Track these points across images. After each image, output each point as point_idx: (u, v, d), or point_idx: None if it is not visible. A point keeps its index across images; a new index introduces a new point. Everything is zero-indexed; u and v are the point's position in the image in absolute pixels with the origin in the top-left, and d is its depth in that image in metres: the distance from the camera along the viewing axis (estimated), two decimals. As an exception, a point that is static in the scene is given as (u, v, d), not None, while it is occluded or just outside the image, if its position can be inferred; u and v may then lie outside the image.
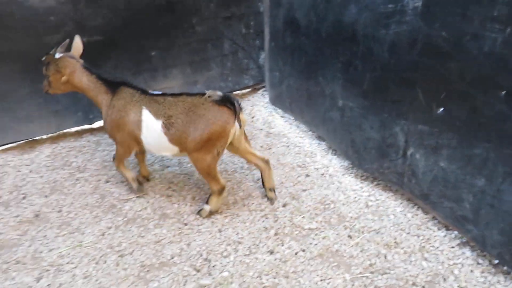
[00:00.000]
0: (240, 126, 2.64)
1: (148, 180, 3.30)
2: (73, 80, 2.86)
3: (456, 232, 2.55)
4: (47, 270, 2.44)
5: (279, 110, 4.35)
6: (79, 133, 4.12)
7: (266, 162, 2.89)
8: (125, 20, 3.77)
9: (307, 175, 3.24)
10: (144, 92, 2.78)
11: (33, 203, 3.06)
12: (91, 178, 3.34)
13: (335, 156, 3.47)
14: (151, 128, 2.68)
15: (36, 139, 3.98)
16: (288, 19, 3.64)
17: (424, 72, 2.36)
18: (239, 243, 2.58)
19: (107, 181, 3.29)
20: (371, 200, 2.91)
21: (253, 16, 4.38)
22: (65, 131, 4.10)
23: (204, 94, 2.60)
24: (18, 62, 3.49)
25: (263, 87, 4.87)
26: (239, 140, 2.75)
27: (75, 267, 2.45)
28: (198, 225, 2.76)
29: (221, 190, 2.75)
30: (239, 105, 2.60)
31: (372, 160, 2.94)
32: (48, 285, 2.33)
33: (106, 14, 3.66)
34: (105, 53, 3.78)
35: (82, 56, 2.98)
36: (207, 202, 2.84)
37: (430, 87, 2.36)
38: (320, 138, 3.76)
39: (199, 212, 2.88)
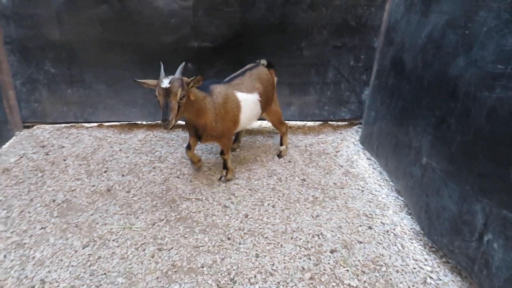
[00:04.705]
0: None
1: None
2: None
3: None
4: (94, 241, 2.67)
5: (366, 152, 4.09)
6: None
7: None
8: (237, 33, 3.95)
9: (370, 227, 2.96)
10: (222, 82, 3.27)
11: (110, 178, 3.39)
12: (166, 169, 3.57)
13: (409, 216, 3.11)
14: (250, 103, 3.31)
15: (136, 123, 4.42)
16: (395, 59, 3.41)
17: (523, 150, 1.98)
18: (271, 274, 2.48)
19: (177, 177, 3.48)
20: (431, 277, 2.52)
21: (365, 50, 4.19)
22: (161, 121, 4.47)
23: (256, 64, 3.55)
24: (135, 53, 3.93)
25: (360, 123, 4.64)
26: None
27: (117, 246, 2.64)
28: (239, 243, 2.73)
29: (287, 129, 3.87)
30: None
31: (444, 233, 2.56)
32: (89, 254, 2.55)
33: (220, 25, 3.88)
34: (211, 60, 4.01)
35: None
36: (281, 144, 3.88)
37: (526, 169, 1.97)
38: (400, 192, 3.43)
39: (279, 155, 3.84)
